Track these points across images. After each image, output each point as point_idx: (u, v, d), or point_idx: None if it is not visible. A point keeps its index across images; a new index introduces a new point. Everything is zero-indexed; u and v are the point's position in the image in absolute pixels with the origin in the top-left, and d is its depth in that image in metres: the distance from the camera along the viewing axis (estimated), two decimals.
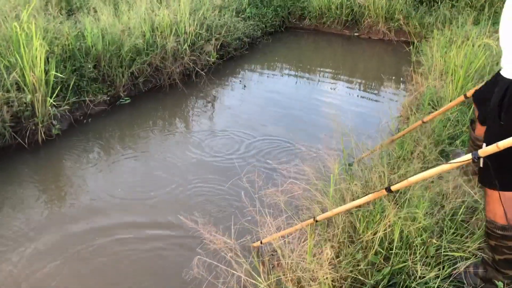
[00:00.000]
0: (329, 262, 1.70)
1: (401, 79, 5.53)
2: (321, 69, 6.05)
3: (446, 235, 1.88)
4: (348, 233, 1.99)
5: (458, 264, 1.76)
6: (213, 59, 5.28)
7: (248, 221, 2.40)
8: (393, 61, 6.39)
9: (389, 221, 1.82)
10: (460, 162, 1.41)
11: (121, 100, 4.37)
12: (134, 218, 2.72)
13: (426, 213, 1.96)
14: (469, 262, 1.77)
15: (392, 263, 1.79)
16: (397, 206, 2.06)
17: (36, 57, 3.40)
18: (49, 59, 3.62)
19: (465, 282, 1.76)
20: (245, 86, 5.21)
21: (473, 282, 1.76)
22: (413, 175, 1.53)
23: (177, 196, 2.94)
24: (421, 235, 1.83)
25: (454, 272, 1.75)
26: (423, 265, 1.75)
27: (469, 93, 2.40)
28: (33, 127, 3.46)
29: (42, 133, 3.47)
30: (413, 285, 1.70)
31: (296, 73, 5.82)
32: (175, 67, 4.81)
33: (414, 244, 1.81)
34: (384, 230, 1.83)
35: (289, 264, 1.81)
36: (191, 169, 3.27)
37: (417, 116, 3.17)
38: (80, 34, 4.22)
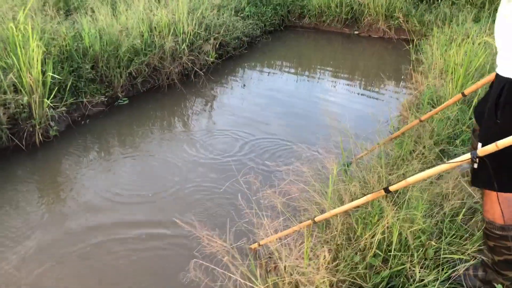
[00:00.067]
0: (327, 265, 1.68)
1: (401, 77, 5.51)
2: (321, 68, 6.02)
3: (446, 238, 1.86)
4: (346, 234, 1.97)
5: (458, 267, 1.74)
6: (212, 59, 5.26)
7: (246, 223, 2.38)
8: (393, 59, 6.36)
9: (387, 223, 1.80)
10: (458, 161, 1.40)
11: (119, 100, 4.35)
12: (132, 219, 2.71)
13: (425, 214, 1.94)
14: (468, 264, 1.74)
15: (390, 265, 1.77)
16: (396, 207, 2.04)
17: (33, 58, 3.39)
18: (46, 60, 3.60)
19: (464, 284, 1.74)
20: (244, 85, 5.19)
21: (473, 285, 1.74)
22: (411, 176, 1.51)
23: (176, 197, 2.92)
24: (420, 237, 1.81)
25: (454, 274, 1.72)
26: (421, 268, 1.73)
27: (467, 91, 2.38)
28: (31, 129, 3.44)
29: (40, 134, 3.45)
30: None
31: (296, 72, 5.80)
32: (173, 67, 4.79)
33: (412, 247, 1.79)
34: (383, 232, 1.81)
35: (286, 267, 1.79)
36: (190, 169, 3.25)
37: (416, 115, 3.15)
38: (77, 34, 4.20)
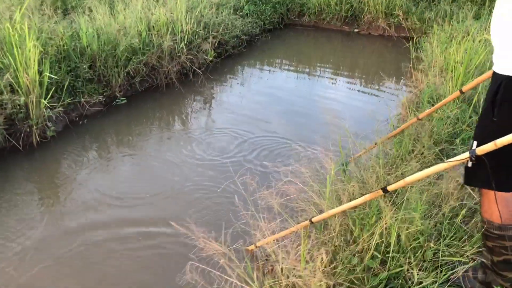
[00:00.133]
0: (324, 268, 1.66)
1: (402, 75, 5.48)
2: (321, 66, 5.99)
3: (444, 240, 1.83)
4: (344, 236, 1.95)
5: (457, 269, 1.71)
6: (210, 58, 5.23)
7: (244, 224, 2.36)
8: (393, 57, 6.32)
9: (385, 224, 1.78)
10: (457, 160, 1.38)
11: (117, 100, 4.32)
12: (130, 218, 2.69)
13: (424, 215, 1.92)
14: (467, 266, 1.72)
15: (388, 267, 1.75)
16: (395, 207, 2.02)
17: (30, 58, 3.36)
18: (43, 60, 3.57)
19: (463, 286, 1.72)
20: (243, 84, 5.16)
21: (472, 287, 1.71)
22: (410, 175, 1.48)
23: (174, 197, 2.90)
24: (418, 239, 1.78)
25: (453, 277, 1.70)
26: (420, 270, 1.71)
27: (465, 88, 2.36)
28: (28, 129, 3.42)
29: (37, 135, 3.43)
30: None
31: (296, 70, 5.77)
32: (171, 66, 4.77)
33: (411, 248, 1.77)
34: (381, 233, 1.79)
35: (283, 269, 1.77)
36: (188, 169, 3.23)
37: (416, 114, 3.12)
38: (75, 34, 4.18)
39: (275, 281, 1.77)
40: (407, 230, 1.79)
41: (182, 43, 4.89)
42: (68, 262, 2.34)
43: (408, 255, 1.75)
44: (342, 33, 7.51)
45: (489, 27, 4.80)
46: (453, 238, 1.87)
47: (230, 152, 3.46)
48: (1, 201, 2.84)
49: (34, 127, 3.41)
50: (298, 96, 4.87)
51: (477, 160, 1.34)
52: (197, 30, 5.19)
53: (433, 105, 3.39)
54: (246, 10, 6.87)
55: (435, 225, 1.93)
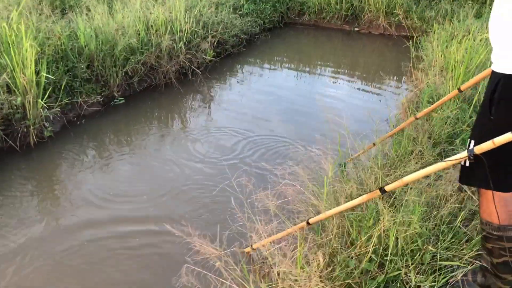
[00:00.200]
0: (320, 272, 1.63)
1: (402, 74, 5.44)
2: (321, 65, 5.96)
3: (443, 243, 1.80)
4: (342, 238, 1.92)
5: (456, 272, 1.69)
6: (209, 57, 5.20)
7: (241, 226, 2.33)
8: (393, 56, 6.29)
9: (383, 226, 1.75)
10: (455, 159, 1.36)
11: (115, 100, 4.30)
12: (128, 218, 2.68)
13: (423, 218, 1.89)
14: (466, 269, 1.69)
15: (386, 270, 1.72)
16: (394, 208, 1.99)
17: (27, 58, 3.34)
18: (40, 60, 3.55)
19: None
20: (242, 83, 5.14)
21: None
22: (407, 175, 1.46)
23: (172, 197, 2.88)
24: (416, 242, 1.76)
25: (452, 280, 1.67)
26: (417, 273, 1.68)
27: (463, 86, 2.33)
28: (25, 130, 3.40)
29: (34, 135, 3.41)
30: None
31: (296, 69, 5.74)
32: (170, 65, 4.74)
33: (408, 251, 1.74)
34: (379, 236, 1.76)
35: (279, 273, 1.74)
36: (186, 169, 3.21)
37: (414, 113, 3.10)
38: (73, 33, 4.15)
39: (271, 285, 1.75)
40: (405, 232, 1.76)
41: (181, 43, 4.87)
42: (67, 262, 2.34)
43: (406, 258, 1.73)
44: (343, 32, 7.48)
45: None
46: (452, 240, 1.84)
47: (229, 153, 3.44)
48: None
49: (31, 127, 3.39)
50: (298, 95, 4.84)
51: (475, 159, 1.32)
52: (196, 30, 5.16)
53: (432, 104, 3.36)
54: (245, 9, 6.84)
55: (434, 227, 1.91)
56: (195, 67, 5.00)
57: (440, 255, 1.75)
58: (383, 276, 1.69)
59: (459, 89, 2.36)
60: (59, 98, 3.67)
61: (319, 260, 1.64)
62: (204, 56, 5.16)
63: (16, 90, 3.36)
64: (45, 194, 2.97)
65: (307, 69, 5.78)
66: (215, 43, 5.42)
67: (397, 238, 1.76)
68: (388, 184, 1.55)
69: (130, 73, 4.43)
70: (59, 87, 3.73)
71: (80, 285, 2.20)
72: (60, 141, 3.58)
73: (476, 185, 1.56)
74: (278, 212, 2.15)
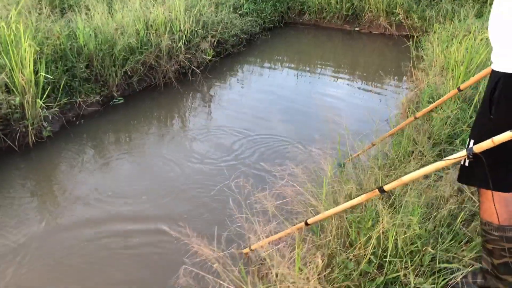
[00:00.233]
0: (319, 274, 1.62)
1: (402, 74, 5.43)
2: (321, 65, 5.95)
3: (442, 245, 1.79)
4: (341, 239, 1.91)
5: (455, 274, 1.67)
6: (209, 57, 5.19)
7: (239, 227, 2.32)
8: (394, 56, 6.28)
9: (382, 227, 1.74)
10: (455, 158, 1.35)
11: (114, 100, 4.29)
12: (128, 218, 2.68)
13: (422, 219, 1.88)
14: (466, 271, 1.68)
15: (385, 272, 1.71)
16: (393, 209, 1.98)
17: (25, 58, 3.33)
18: (39, 60, 3.54)
19: None
20: (242, 83, 5.13)
21: None
22: (407, 174, 1.45)
23: (170, 197, 2.87)
24: (416, 243, 1.74)
25: (451, 282, 1.66)
26: (416, 275, 1.67)
27: (463, 85, 2.32)
28: (23, 130, 3.39)
29: (33, 135, 3.40)
30: None
31: (296, 69, 5.73)
32: (170, 65, 4.73)
33: (408, 252, 1.73)
34: (378, 238, 1.75)
35: (278, 274, 1.73)
36: (186, 169, 3.20)
37: (414, 112, 3.08)
38: (72, 33, 4.14)
39: (269, 286, 1.73)
40: (404, 234, 1.75)
41: (181, 42, 4.86)
42: (67, 262, 2.33)
43: (405, 259, 1.72)
44: (343, 32, 7.46)
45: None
46: (452, 242, 1.83)
47: (229, 154, 3.42)
48: None
49: (30, 127, 3.38)
50: (298, 94, 4.83)
51: (475, 158, 1.31)
52: (196, 29, 5.15)
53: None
54: (245, 9, 6.83)
55: (434, 229, 1.89)
56: (194, 66, 4.99)
57: (439, 256, 1.73)
58: (382, 278, 1.67)
59: (458, 88, 2.34)
60: (58, 98, 3.66)
61: (317, 262, 1.62)
62: (204, 56, 5.15)
63: (14, 90, 3.35)
64: (44, 194, 2.96)
65: (307, 68, 5.77)
66: (215, 43, 5.41)
67: (396, 240, 1.74)
68: (387, 183, 1.53)
69: (129, 72, 4.42)
70: (58, 87, 3.72)
71: (80, 285, 2.19)
72: (59, 141, 3.57)
73: (476, 185, 1.55)
74: (276, 212, 2.14)
